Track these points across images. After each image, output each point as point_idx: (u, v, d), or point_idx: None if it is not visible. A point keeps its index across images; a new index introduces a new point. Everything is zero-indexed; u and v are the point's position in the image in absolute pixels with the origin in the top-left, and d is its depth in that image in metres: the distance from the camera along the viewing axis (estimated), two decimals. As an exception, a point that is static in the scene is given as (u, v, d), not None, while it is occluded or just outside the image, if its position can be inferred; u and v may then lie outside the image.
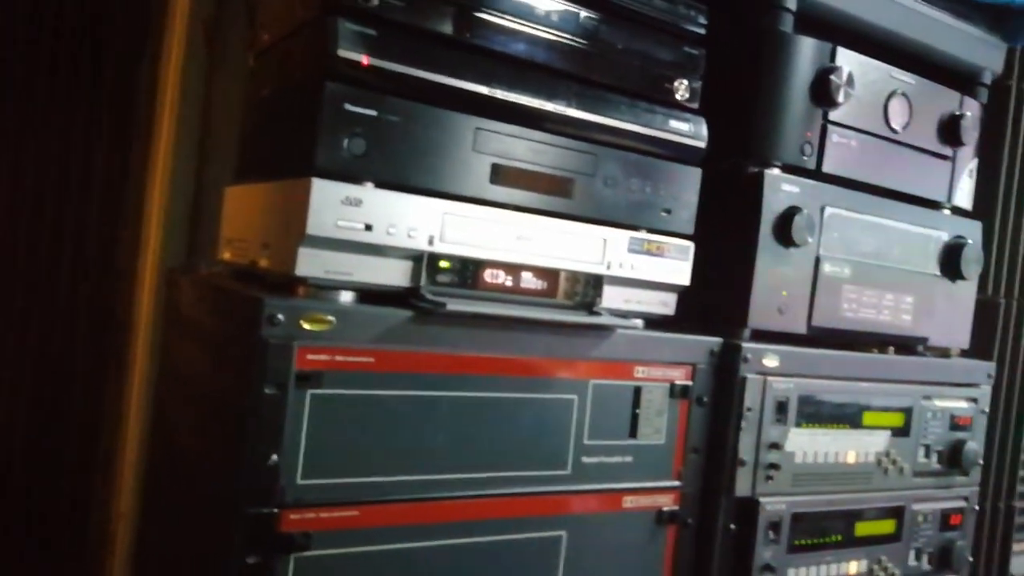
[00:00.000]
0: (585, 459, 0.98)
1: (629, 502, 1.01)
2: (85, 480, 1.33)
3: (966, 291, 1.32)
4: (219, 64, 1.34)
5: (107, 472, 1.32)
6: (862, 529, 1.18)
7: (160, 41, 1.33)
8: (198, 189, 1.36)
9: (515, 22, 0.93)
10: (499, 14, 0.92)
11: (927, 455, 1.25)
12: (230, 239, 1.10)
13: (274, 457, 0.79)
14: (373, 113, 0.84)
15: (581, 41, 0.97)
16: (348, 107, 0.83)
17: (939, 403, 1.26)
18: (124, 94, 1.33)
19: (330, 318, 0.81)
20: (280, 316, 0.78)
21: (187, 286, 1.13)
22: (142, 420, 1.31)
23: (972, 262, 1.29)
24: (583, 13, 0.97)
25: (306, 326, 0.80)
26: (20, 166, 1.32)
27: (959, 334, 1.33)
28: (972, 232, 1.32)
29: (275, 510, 0.79)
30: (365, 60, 0.83)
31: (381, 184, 0.86)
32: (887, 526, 1.21)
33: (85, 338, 1.34)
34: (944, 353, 1.34)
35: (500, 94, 0.92)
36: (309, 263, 0.84)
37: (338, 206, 0.83)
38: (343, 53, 0.82)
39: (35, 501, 1.32)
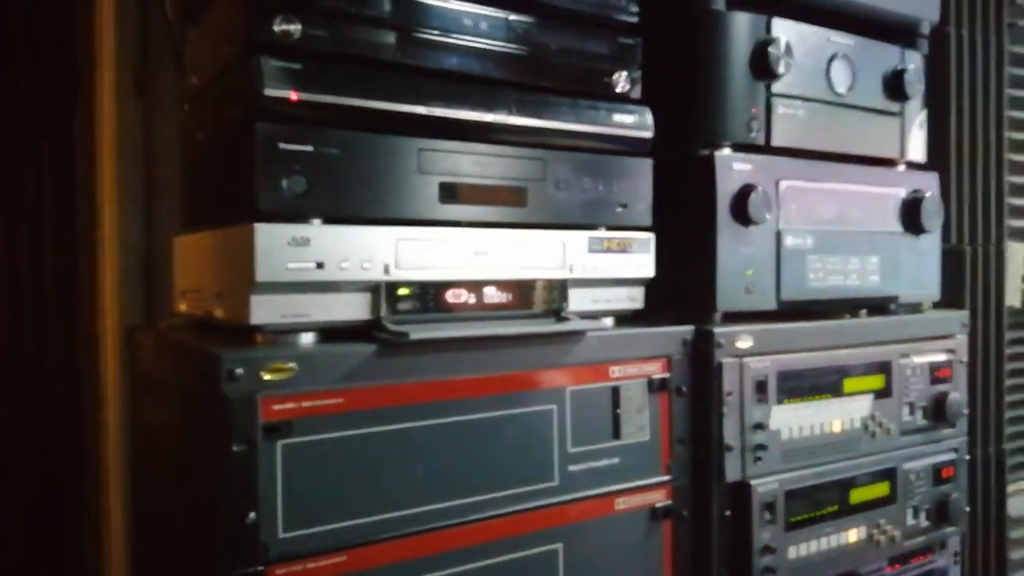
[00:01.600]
0: (572, 467, 0.97)
1: (621, 504, 1.00)
2: (76, 549, 1.30)
3: (930, 244, 1.32)
4: (153, 110, 1.31)
5: (97, 541, 1.29)
6: (857, 496, 1.18)
7: (91, 92, 1.29)
8: (149, 242, 1.33)
9: (444, 36, 0.91)
10: (427, 31, 0.90)
11: (912, 412, 1.25)
12: (184, 290, 1.07)
13: (252, 514, 0.77)
14: (309, 148, 0.82)
15: (514, 46, 0.95)
16: (283, 145, 0.80)
17: (917, 359, 1.26)
18: (62, 153, 1.30)
19: (291, 365, 0.79)
20: (239, 370, 0.76)
21: (147, 344, 1.11)
22: (126, 486, 1.28)
23: (933, 214, 1.29)
24: (511, 17, 0.95)
25: (267, 377, 0.77)
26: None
27: (929, 287, 1.33)
28: (929, 184, 1.32)
29: (260, 568, 0.77)
30: (294, 95, 0.80)
31: (328, 219, 0.84)
32: (881, 489, 1.21)
33: (56, 405, 1.31)
34: (916, 308, 1.34)
35: (439, 111, 0.90)
36: (263, 310, 0.82)
37: (286, 248, 0.81)
38: (270, 91, 0.79)
39: (27, 563, 1.30)
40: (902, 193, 1.29)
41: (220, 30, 0.91)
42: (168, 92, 1.28)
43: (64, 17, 1.28)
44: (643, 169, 1.05)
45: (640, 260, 1.04)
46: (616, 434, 1.00)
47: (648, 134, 1.04)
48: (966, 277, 1.50)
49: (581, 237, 0.99)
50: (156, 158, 1.30)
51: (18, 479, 1.30)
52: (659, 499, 1.03)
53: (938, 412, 1.27)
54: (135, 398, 1.22)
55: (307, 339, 0.84)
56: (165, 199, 1.27)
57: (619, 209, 1.03)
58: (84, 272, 1.29)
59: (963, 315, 1.35)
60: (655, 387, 1.03)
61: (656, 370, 1.03)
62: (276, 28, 0.81)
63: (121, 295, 1.26)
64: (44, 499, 1.31)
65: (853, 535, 1.17)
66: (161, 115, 1.30)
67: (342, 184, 0.84)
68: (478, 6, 0.93)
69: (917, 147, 1.34)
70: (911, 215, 1.29)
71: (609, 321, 1.03)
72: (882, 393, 1.22)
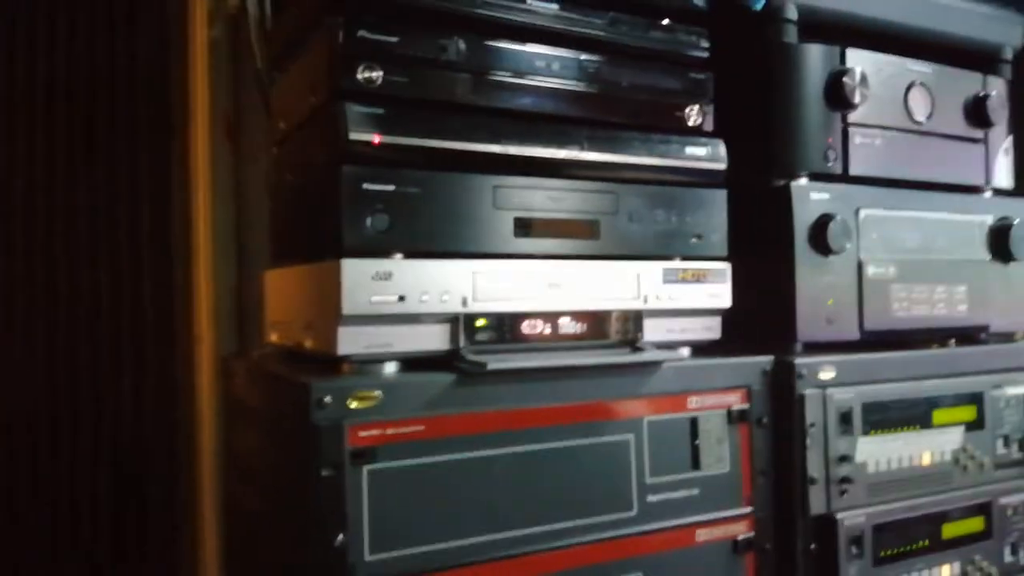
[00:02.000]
0: (651, 497, 0.97)
1: (702, 535, 1.00)
2: (169, 565, 1.36)
3: (1021, 271, 1.28)
4: (244, 154, 1.38)
5: (193, 566, 1.34)
6: (949, 531, 1.14)
7: (185, 139, 1.38)
8: (240, 277, 1.40)
9: (517, 78, 0.94)
10: (501, 73, 0.93)
11: (1006, 445, 1.21)
12: (275, 322, 1.12)
13: (340, 537, 0.80)
14: (391, 188, 0.86)
15: (585, 85, 0.98)
16: (366, 186, 0.85)
17: (1011, 390, 1.22)
18: (160, 193, 1.39)
19: (376, 393, 0.82)
20: (328, 399, 0.80)
21: (240, 372, 1.16)
22: (220, 512, 1.33)
23: (1021, 241, 1.26)
24: (583, 57, 0.98)
25: (353, 405, 0.81)
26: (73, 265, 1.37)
27: (1021, 316, 1.29)
28: (1018, 211, 1.29)
29: (347, 589, 0.80)
30: (376, 139, 0.85)
31: (409, 254, 0.87)
32: (975, 524, 1.16)
33: (155, 433, 1.38)
34: (1009, 338, 1.30)
35: (513, 150, 0.93)
36: (350, 341, 0.85)
37: (369, 282, 0.84)
38: (354, 135, 0.84)
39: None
40: (989, 220, 1.26)
41: (307, 78, 0.97)
42: (258, 137, 1.35)
43: (159, 70, 1.37)
44: (717, 200, 1.06)
45: (716, 290, 1.05)
46: (695, 465, 1.00)
47: (721, 166, 1.05)
48: (1061, 305, 1.44)
49: (655, 268, 1.00)
50: (247, 199, 1.37)
51: (117, 500, 1.37)
52: (741, 531, 1.02)
53: (1035, 445, 1.22)
54: (229, 424, 1.28)
55: (390, 368, 0.88)
56: (255, 237, 1.34)
57: (694, 240, 1.04)
58: (180, 305, 1.36)
59: (1059, 344, 1.30)
60: (735, 418, 1.03)
61: (735, 401, 1.03)
62: (359, 76, 0.85)
63: (216, 326, 1.33)
64: (140, 522, 1.37)
65: (947, 571, 1.13)
66: (252, 158, 1.38)
67: (422, 221, 0.88)
68: (550, 47, 0.96)
69: (1003, 173, 1.31)
70: (999, 242, 1.26)
71: (686, 351, 1.03)
72: (974, 425, 1.18)
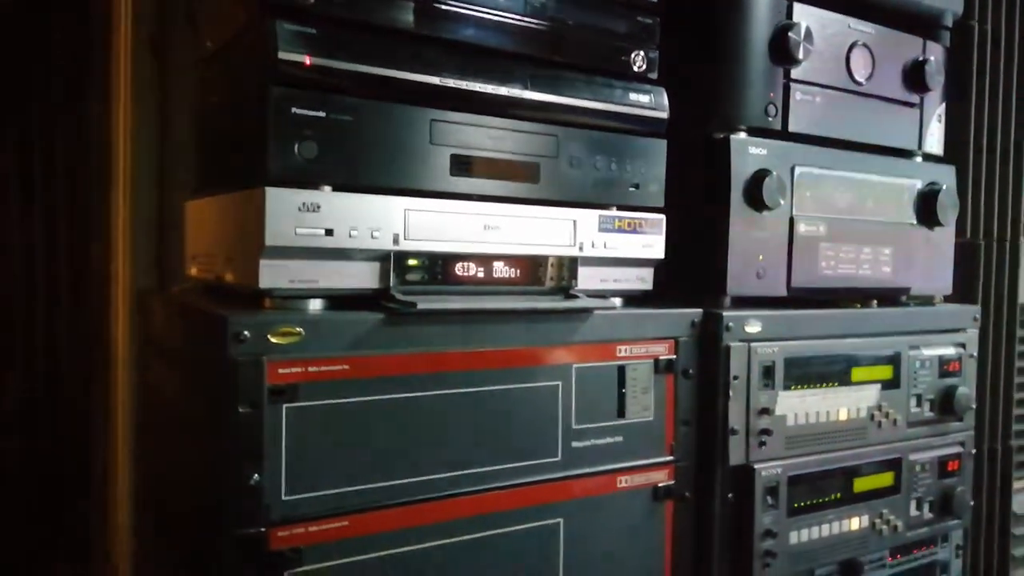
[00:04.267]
0: (575, 444, 0.97)
1: (624, 482, 1.00)
2: (83, 508, 1.32)
3: (944, 236, 1.32)
4: (170, 73, 1.31)
5: (104, 500, 1.30)
6: (860, 485, 1.17)
7: (106, 54, 1.29)
8: (162, 206, 1.34)
9: (461, 6, 0.90)
10: (444, 0, 0.89)
11: (919, 404, 1.25)
12: (195, 255, 1.08)
13: (256, 476, 0.77)
14: (322, 114, 0.82)
15: (531, 20, 0.95)
16: (296, 110, 0.80)
17: (927, 351, 1.26)
18: (75, 113, 1.31)
19: (298, 330, 0.79)
20: (246, 333, 0.76)
21: (158, 308, 1.11)
22: (133, 448, 1.29)
23: (948, 207, 1.28)
24: (530, -9, 0.95)
25: (274, 340, 0.78)
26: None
27: (941, 280, 1.33)
28: (945, 177, 1.31)
29: (262, 529, 0.78)
30: (308, 60, 0.80)
31: (338, 186, 0.84)
32: (885, 479, 1.20)
33: (67, 367, 1.32)
34: (928, 301, 1.33)
35: (452, 83, 0.89)
36: (272, 274, 0.82)
37: (296, 213, 0.81)
38: (284, 55, 0.79)
39: (34, 532, 1.31)
40: (918, 184, 1.28)
41: (237, -6, 0.91)
42: (186, 55, 1.28)
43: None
44: (657, 150, 1.05)
45: (651, 241, 1.04)
46: (620, 413, 1.00)
47: (663, 115, 1.04)
48: (979, 271, 1.48)
49: (592, 215, 0.99)
50: (171, 123, 1.30)
51: (27, 433, 1.31)
52: (662, 479, 1.03)
53: (946, 405, 1.26)
54: (145, 361, 1.23)
55: (315, 305, 0.84)
56: (179, 163, 1.27)
57: (631, 189, 1.03)
58: (96, 235, 1.30)
59: (975, 309, 1.34)
60: (661, 368, 1.03)
61: (663, 351, 1.03)
62: (293, -8, 0.81)
63: (133, 260, 1.27)
64: (52, 455, 1.32)
65: (855, 523, 1.17)
66: (177, 80, 1.30)
67: (354, 152, 0.84)
68: (496, -22, 0.93)
69: (935, 139, 1.33)
70: (926, 207, 1.28)
71: (617, 301, 1.03)
72: (890, 384, 1.21)
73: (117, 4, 1.27)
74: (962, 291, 1.40)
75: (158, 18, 1.27)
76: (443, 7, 0.89)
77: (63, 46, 1.30)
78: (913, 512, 1.23)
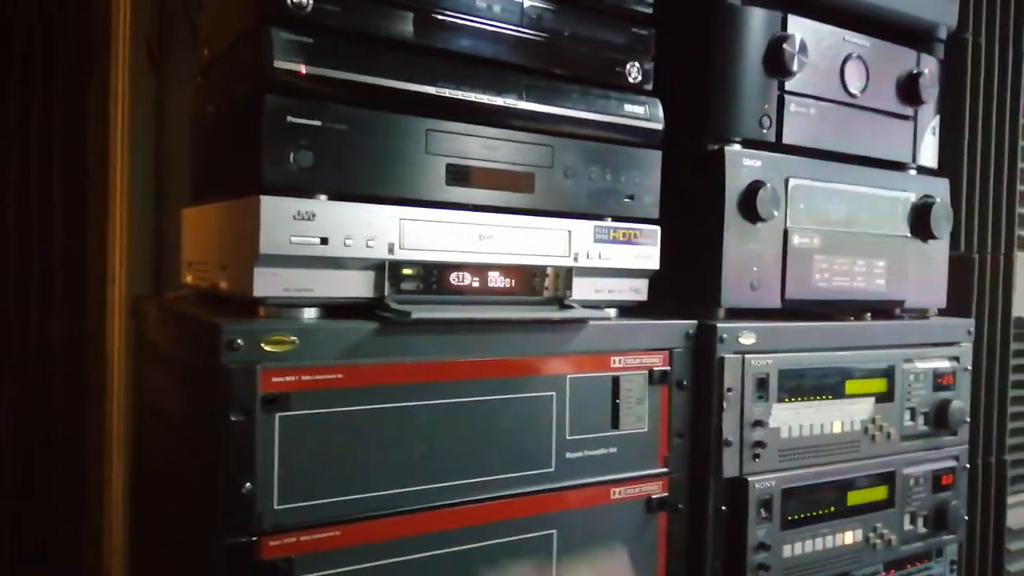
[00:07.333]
0: (569, 454, 0.96)
1: (617, 493, 1.00)
2: (76, 513, 1.31)
3: (939, 250, 1.32)
4: (168, 84, 1.31)
5: (97, 506, 1.30)
6: (854, 498, 1.17)
7: (105, 65, 1.30)
8: (159, 213, 1.34)
9: (457, 17, 0.91)
10: (440, 11, 0.90)
11: (913, 418, 1.25)
12: (191, 262, 1.07)
13: (248, 485, 0.77)
14: (317, 123, 0.82)
15: (527, 31, 0.95)
16: (291, 119, 0.81)
17: (921, 364, 1.26)
18: (75, 122, 1.31)
19: (292, 338, 0.79)
20: (240, 341, 0.76)
21: (153, 313, 1.11)
22: (126, 452, 1.28)
23: (942, 220, 1.29)
24: (527, 2, 0.95)
25: (268, 348, 0.78)
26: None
27: (935, 293, 1.33)
28: (939, 190, 1.32)
29: (254, 538, 0.77)
30: (303, 69, 0.80)
31: (334, 195, 0.84)
32: (879, 493, 1.20)
33: (62, 372, 1.31)
34: (922, 314, 1.33)
35: (448, 93, 0.90)
36: (266, 283, 0.82)
37: (290, 222, 0.81)
38: (280, 64, 0.79)
39: (26, 537, 1.30)
40: (912, 197, 1.29)
41: (233, 2, 0.92)
42: (183, 66, 1.28)
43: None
44: (652, 161, 1.05)
45: (645, 252, 1.04)
46: (615, 424, 1.00)
47: (658, 126, 1.04)
48: (973, 285, 1.49)
49: (587, 226, 0.99)
50: (169, 131, 1.30)
51: (21, 438, 1.31)
52: (655, 491, 1.03)
53: (940, 419, 1.26)
54: (139, 368, 1.22)
55: (309, 314, 0.84)
56: (177, 172, 1.28)
57: (626, 200, 1.03)
58: (93, 241, 1.30)
59: (969, 323, 1.34)
60: (656, 379, 1.03)
61: (657, 362, 1.03)
62: (288, 1, 0.81)
63: (129, 265, 1.27)
64: (45, 461, 1.31)
65: (849, 537, 1.16)
66: (176, 88, 1.31)
67: (349, 161, 0.84)
68: (493, -11, 0.93)
69: (929, 152, 1.34)
70: (920, 220, 1.28)
71: (612, 311, 1.03)
72: (884, 397, 1.21)
73: (117, 13, 1.27)
74: (956, 304, 1.40)
75: (157, 26, 1.28)
76: (440, 17, 0.90)
77: (62, 54, 1.30)
78: (907, 526, 1.23)
